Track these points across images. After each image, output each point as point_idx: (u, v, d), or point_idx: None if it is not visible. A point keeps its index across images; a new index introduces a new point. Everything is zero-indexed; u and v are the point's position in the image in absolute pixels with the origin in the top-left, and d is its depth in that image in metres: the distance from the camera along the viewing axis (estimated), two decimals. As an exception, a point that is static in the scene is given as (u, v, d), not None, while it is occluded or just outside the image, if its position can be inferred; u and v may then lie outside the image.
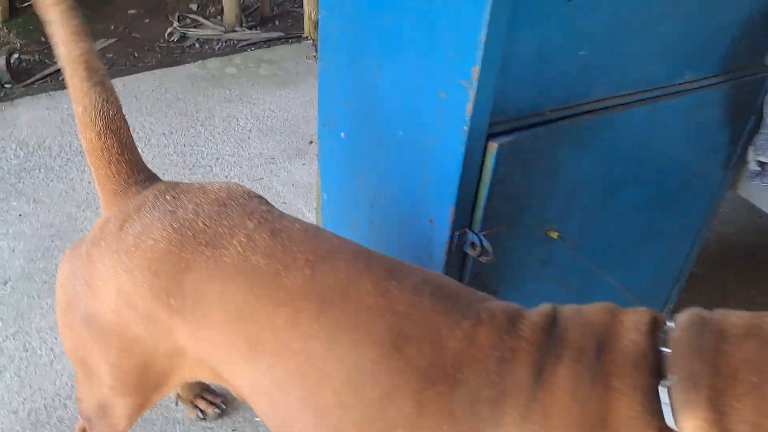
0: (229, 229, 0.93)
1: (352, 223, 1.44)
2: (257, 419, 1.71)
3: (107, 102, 1.03)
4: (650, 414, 0.68)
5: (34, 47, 3.80)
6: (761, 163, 1.30)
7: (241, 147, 2.71)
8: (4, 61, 3.26)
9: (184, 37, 4.00)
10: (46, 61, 3.66)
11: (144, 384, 1.06)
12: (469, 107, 0.94)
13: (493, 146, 0.99)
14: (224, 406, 1.71)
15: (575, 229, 1.21)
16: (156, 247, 0.93)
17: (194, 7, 4.35)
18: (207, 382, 1.42)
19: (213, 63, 3.39)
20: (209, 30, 4.02)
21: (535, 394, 0.74)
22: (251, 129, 2.83)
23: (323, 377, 0.83)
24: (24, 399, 1.72)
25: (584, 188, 1.17)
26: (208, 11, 4.33)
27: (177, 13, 4.24)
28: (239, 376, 0.92)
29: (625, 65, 1.08)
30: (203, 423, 1.69)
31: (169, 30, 4.05)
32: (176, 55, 3.79)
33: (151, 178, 1.08)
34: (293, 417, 0.88)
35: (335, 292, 0.86)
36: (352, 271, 0.88)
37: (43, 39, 3.91)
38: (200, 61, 3.41)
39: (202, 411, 1.69)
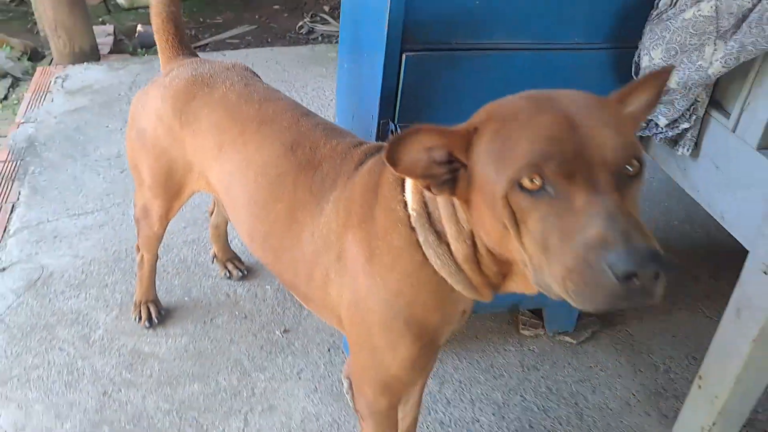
0: (222, 80, 1.49)
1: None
2: (268, 287, 2.24)
3: (171, 2, 1.64)
4: (400, 179, 1.11)
5: (192, 25, 4.69)
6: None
7: (321, 111, 3.30)
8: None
9: (311, 31, 4.72)
10: (199, 36, 4.52)
11: (169, 189, 1.64)
12: (386, 25, 1.42)
13: (404, 57, 1.46)
14: (246, 272, 2.27)
15: None
16: (179, 84, 1.51)
17: (327, 8, 5.08)
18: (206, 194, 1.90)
19: (321, 47, 4.06)
20: (332, 27, 4.71)
21: (353, 175, 1.21)
22: (332, 99, 3.42)
23: (251, 165, 1.35)
24: (113, 243, 2.38)
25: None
26: (337, 12, 5.04)
27: (311, 12, 4.99)
28: (212, 173, 1.46)
29: (520, 19, 1.49)
30: (228, 281, 2.26)
31: (300, 23, 4.80)
32: (301, 44, 4.51)
33: (194, 54, 1.68)
34: (235, 194, 1.40)
35: (268, 118, 1.38)
36: (283, 109, 1.40)
37: (200, 20, 4.81)
38: (311, 45, 4.09)
39: (229, 272, 2.26)
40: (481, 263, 1.02)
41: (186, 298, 2.19)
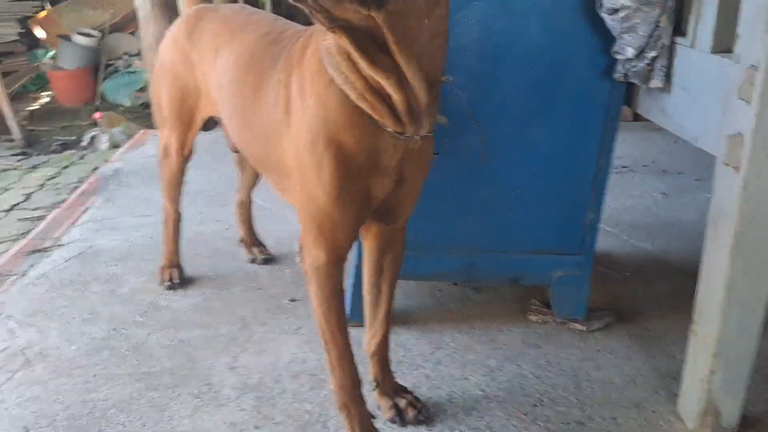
0: (225, 6, 1.78)
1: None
2: (287, 270, 2.35)
3: None
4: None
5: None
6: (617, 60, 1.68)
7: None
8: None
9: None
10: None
11: (182, 117, 1.87)
12: None
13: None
14: (270, 256, 2.40)
15: (463, 85, 1.74)
16: (191, 12, 1.83)
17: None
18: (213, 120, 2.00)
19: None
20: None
21: (304, 50, 1.36)
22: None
23: (234, 54, 1.58)
24: (160, 235, 2.61)
25: (465, 54, 1.73)
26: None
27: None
28: (211, 80, 1.68)
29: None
30: (252, 264, 2.39)
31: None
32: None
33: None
34: (223, 83, 1.61)
35: (252, 22, 1.63)
36: (265, 16, 1.67)
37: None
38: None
39: (254, 255, 2.40)
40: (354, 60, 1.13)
41: (210, 273, 2.34)
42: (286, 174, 1.41)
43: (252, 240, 2.42)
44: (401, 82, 1.13)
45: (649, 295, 2.24)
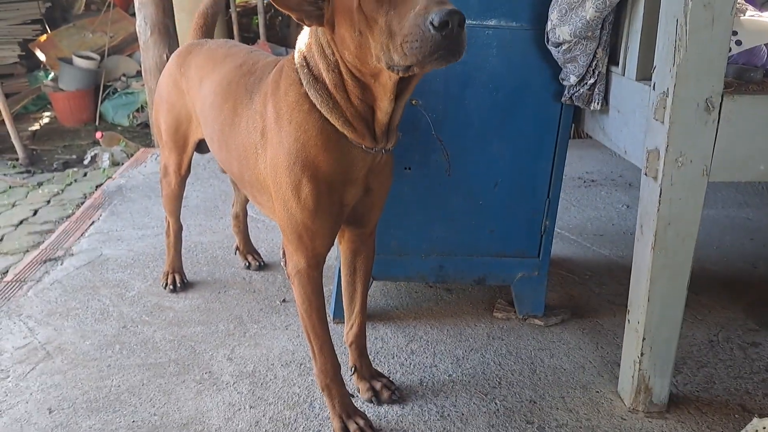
0: (211, 41, 2.04)
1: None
2: (279, 276, 2.59)
3: (213, 7, 2.24)
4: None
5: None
6: (566, 86, 1.95)
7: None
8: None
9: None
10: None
11: (178, 141, 2.12)
12: None
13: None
14: (263, 263, 2.64)
15: (434, 106, 2.00)
16: (183, 47, 2.09)
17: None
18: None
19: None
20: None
21: (273, 70, 1.60)
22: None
23: (214, 83, 1.80)
24: (163, 245, 2.85)
25: (435, 80, 1.98)
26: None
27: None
28: (196, 103, 1.93)
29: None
30: (247, 270, 2.63)
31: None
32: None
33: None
34: (205, 109, 1.84)
35: (231, 54, 1.87)
36: (243, 48, 1.91)
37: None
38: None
39: (249, 262, 2.64)
40: (348, 90, 1.37)
41: (209, 278, 2.58)
42: (260, 190, 1.64)
43: (247, 248, 2.66)
44: (394, 108, 1.39)
45: (603, 295, 2.49)
